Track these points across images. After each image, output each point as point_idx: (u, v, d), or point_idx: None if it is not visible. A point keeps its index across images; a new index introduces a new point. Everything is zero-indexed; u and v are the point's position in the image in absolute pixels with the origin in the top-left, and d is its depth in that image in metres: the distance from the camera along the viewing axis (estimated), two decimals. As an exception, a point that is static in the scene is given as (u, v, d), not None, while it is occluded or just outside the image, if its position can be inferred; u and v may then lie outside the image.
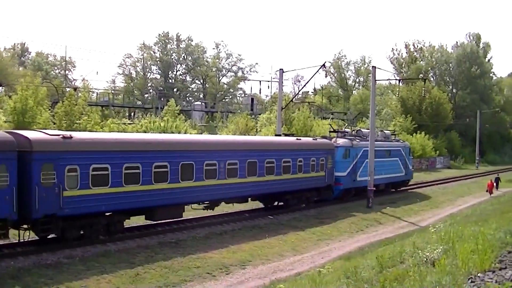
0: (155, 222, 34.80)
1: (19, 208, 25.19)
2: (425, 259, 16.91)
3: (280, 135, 53.23)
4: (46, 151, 26.58)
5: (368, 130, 56.41)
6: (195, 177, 34.56)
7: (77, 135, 29.82)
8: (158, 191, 31.89)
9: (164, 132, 56.79)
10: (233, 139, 46.39)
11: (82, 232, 29.40)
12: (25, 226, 26.87)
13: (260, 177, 40.31)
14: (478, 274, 13.48)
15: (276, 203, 46.03)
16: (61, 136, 27.81)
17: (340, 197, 51.59)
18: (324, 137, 55.04)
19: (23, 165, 25.51)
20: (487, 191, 65.47)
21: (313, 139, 50.88)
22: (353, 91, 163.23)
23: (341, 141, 52.62)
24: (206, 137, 51.12)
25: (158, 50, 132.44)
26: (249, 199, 43.28)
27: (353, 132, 60.07)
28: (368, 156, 51.76)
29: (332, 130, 58.58)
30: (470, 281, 12.99)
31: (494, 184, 70.63)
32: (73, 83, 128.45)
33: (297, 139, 48.78)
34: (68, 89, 79.86)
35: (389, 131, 71.53)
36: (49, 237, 28.82)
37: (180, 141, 38.09)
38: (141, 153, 31.49)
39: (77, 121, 57.80)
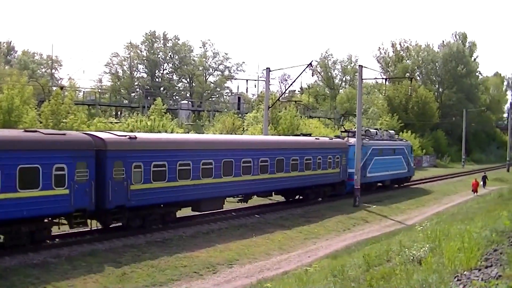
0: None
1: (96, 200, 29.39)
2: (412, 258, 16.95)
3: (299, 135, 57.46)
4: (117, 150, 30.78)
5: (377, 131, 66.25)
6: (234, 173, 39.30)
7: (140, 136, 34.91)
8: (204, 185, 36.30)
9: (151, 132, 56.73)
10: (265, 139, 50.46)
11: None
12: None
13: (286, 173, 44.98)
14: (464, 272, 13.51)
15: (296, 197, 50.50)
16: (127, 136, 32.50)
17: (352, 192, 52.67)
18: (337, 136, 59.81)
19: (99, 162, 29.59)
20: (472, 190, 65.33)
21: (330, 139, 55.72)
22: (340, 90, 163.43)
23: (352, 140, 56.00)
24: (243, 137, 56.38)
25: (145, 49, 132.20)
26: (273, 193, 47.67)
27: (362, 131, 60.26)
28: (355, 155, 51.82)
29: (344, 130, 64.23)
30: (456, 279, 13.02)
31: (481, 183, 71.52)
32: (59, 82, 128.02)
33: (316, 138, 53.27)
34: (54, 88, 79.67)
35: (393, 131, 75.25)
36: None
37: (223, 141, 43.38)
38: (192, 152, 36.03)
39: (64, 120, 57.58)
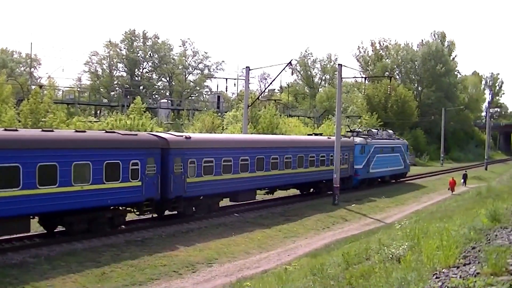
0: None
1: (161, 191, 34.84)
2: (391, 256, 16.99)
3: (311, 135, 65.12)
4: (177, 148, 36.19)
5: (378, 130, 73.64)
6: (265, 168, 45.16)
7: (194, 136, 41.08)
8: (242, 179, 42.18)
9: (130, 130, 56.63)
10: (289, 138, 56.16)
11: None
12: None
13: (305, 169, 51.31)
14: (443, 270, 13.57)
15: (311, 190, 56.54)
16: (184, 137, 38.27)
17: (357, 186, 61.95)
18: (343, 135, 62.98)
19: (163, 159, 35.02)
20: (449, 189, 65.75)
21: (347, 136, 63.39)
22: (319, 89, 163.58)
23: (358, 139, 63.91)
24: (271, 137, 59.41)
25: (125, 48, 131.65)
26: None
27: (365, 131, 71.34)
28: (334, 154, 51.90)
29: (349, 130, 71.51)
30: (435, 277, 13.07)
31: (462, 180, 73.28)
32: (38, 80, 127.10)
33: (328, 137, 59.36)
34: (33, 87, 79.11)
35: (391, 131, 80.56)
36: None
37: (257, 140, 49.46)
38: (233, 150, 41.96)
39: (43, 119, 57.17)
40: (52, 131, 32.80)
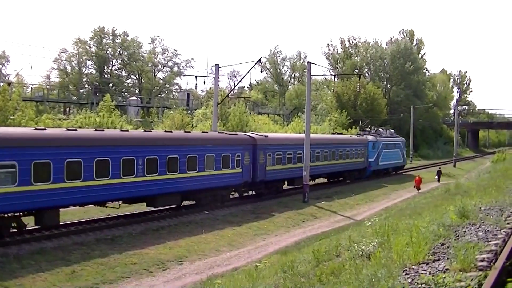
0: (91, 218, 35.44)
1: (252, 176, 47.23)
2: (361, 253, 17.08)
3: (334, 133, 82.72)
4: (260, 144, 48.39)
5: (383, 130, 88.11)
6: (321, 159, 61.17)
7: (269, 135, 55.27)
8: (299, 168, 52.88)
9: (99, 128, 56.24)
10: (328, 137, 71.49)
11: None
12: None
13: (336, 161, 65.05)
14: (413, 266, 13.68)
15: (336, 179, 70.14)
16: (263, 135, 51.46)
17: (370, 176, 75.64)
18: (358, 134, 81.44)
19: (253, 152, 47.24)
20: (414, 187, 65.70)
21: (357, 136, 78.22)
22: (289, 87, 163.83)
23: (370, 137, 77.21)
24: (323, 136, 73.43)
25: (94, 45, 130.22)
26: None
27: (373, 131, 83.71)
28: (304, 151, 51.98)
29: (362, 130, 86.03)
30: (404, 273, 13.16)
31: (436, 177, 76.02)
32: (6, 78, 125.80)
33: (350, 136, 76.95)
34: (1, 84, 78.20)
35: (392, 130, 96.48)
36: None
37: (314, 138, 57.48)
38: (292, 146, 54.28)
39: (11, 117, 56.53)
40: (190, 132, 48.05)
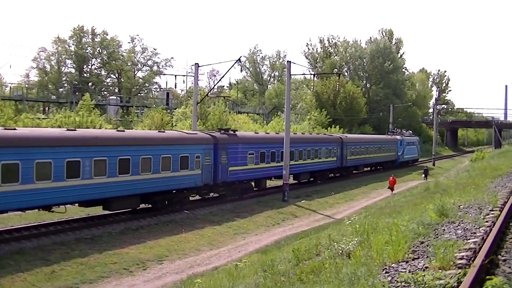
0: (70, 218, 35.15)
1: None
2: (341, 251, 17.09)
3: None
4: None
5: (407, 131, 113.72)
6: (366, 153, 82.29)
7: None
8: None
9: (79, 127, 55.90)
10: (372, 137, 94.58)
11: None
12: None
13: (377, 154, 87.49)
14: (392, 265, 13.72)
15: (375, 168, 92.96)
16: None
17: (399, 166, 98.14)
18: (388, 135, 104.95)
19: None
20: (388, 187, 64.06)
21: (389, 135, 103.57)
22: (268, 86, 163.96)
23: (398, 137, 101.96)
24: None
25: (73, 44, 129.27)
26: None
27: (398, 131, 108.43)
28: (284, 150, 52.01)
29: (391, 131, 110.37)
30: (384, 271, 13.20)
31: (423, 175, 77.47)
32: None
33: (386, 136, 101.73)
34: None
35: (410, 131, 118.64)
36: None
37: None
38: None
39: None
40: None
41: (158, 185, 38.97)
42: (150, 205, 40.58)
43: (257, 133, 62.50)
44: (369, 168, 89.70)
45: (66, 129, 36.62)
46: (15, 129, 31.63)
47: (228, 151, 46.84)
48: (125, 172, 35.76)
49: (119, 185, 35.38)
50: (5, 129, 30.88)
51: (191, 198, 44.86)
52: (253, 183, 53.24)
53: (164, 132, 43.96)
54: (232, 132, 50.41)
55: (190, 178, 42.05)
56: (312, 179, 66.82)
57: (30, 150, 29.55)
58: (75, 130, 35.66)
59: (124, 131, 42.29)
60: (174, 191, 41.79)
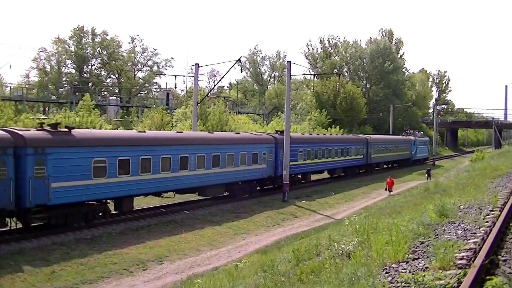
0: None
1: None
2: (341, 252, 17.09)
3: (389, 134, 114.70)
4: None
5: (419, 132, 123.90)
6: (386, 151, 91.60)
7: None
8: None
9: (79, 127, 55.85)
10: (394, 138, 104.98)
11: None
12: None
13: (395, 152, 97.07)
14: (392, 265, 13.72)
15: (396, 165, 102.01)
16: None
17: (412, 164, 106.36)
18: (403, 135, 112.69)
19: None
20: (386, 189, 62.92)
21: (404, 135, 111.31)
22: (268, 86, 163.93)
23: (412, 137, 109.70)
24: (386, 137, 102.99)
25: (73, 44, 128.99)
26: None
27: (411, 132, 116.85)
28: (284, 151, 52.01)
29: (406, 132, 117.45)
30: (384, 272, 13.20)
31: (426, 175, 76.89)
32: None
33: (402, 137, 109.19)
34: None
35: (421, 132, 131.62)
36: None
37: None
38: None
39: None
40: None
41: (238, 176, 48.71)
42: (227, 193, 49.32)
43: (303, 134, 74.62)
44: (385, 166, 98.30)
45: (176, 132, 48.56)
46: (144, 131, 42.11)
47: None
48: (216, 166, 45.06)
49: (212, 176, 44.56)
50: (138, 132, 41.22)
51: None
52: (300, 176, 62.33)
53: (239, 133, 55.06)
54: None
55: (259, 171, 51.84)
56: (343, 174, 76.13)
57: (155, 148, 38.73)
58: (182, 132, 47.76)
59: (213, 133, 52.15)
60: (245, 182, 50.68)
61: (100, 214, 35.58)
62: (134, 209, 38.82)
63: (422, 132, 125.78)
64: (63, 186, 30.91)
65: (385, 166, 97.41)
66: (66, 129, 33.02)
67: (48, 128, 32.22)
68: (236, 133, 56.66)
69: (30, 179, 28.98)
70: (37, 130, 31.59)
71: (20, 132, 29.91)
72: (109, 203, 36.55)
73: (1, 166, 27.93)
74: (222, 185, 47.01)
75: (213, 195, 46.67)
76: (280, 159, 53.90)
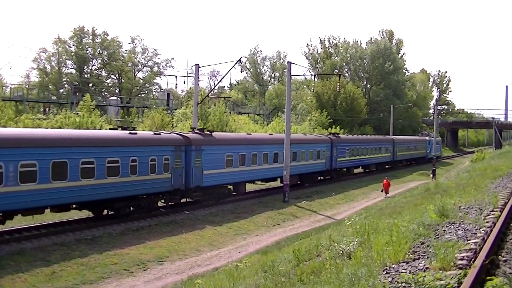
0: (71, 219, 35.10)
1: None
2: (341, 252, 17.09)
3: (405, 135, 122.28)
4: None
5: (429, 132, 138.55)
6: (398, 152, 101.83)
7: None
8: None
9: (79, 128, 55.85)
10: (405, 138, 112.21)
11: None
12: None
13: (411, 151, 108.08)
14: (393, 265, 13.72)
15: (413, 162, 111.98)
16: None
17: (427, 162, 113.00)
18: (418, 136, 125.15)
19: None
20: (382, 190, 61.89)
21: (419, 136, 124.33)
22: (269, 86, 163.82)
23: (427, 138, 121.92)
24: (400, 137, 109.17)
25: (73, 45, 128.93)
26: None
27: (426, 133, 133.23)
28: (284, 152, 51.99)
29: (421, 133, 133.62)
30: (385, 272, 13.20)
31: (431, 175, 77.21)
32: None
33: (418, 137, 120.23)
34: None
35: (431, 133, 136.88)
36: None
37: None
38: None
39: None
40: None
41: (308, 168, 62.00)
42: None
43: (347, 135, 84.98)
44: (402, 164, 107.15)
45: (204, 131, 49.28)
46: (257, 133, 53.51)
47: (338, 148, 69.06)
48: (294, 160, 56.21)
49: (290, 168, 52.41)
50: (247, 134, 52.10)
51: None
52: (345, 169, 75.82)
53: (306, 135, 69.41)
54: (337, 135, 75.10)
55: (320, 164, 64.57)
56: (375, 169, 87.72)
57: (259, 147, 52.13)
58: (212, 131, 50.17)
59: (250, 134, 58.45)
60: (311, 173, 63.92)
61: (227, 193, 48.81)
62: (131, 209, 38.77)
63: (432, 133, 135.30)
64: (210, 173, 44.07)
65: (407, 163, 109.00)
66: (209, 132, 46.85)
67: (197, 131, 45.71)
68: (303, 134, 72.91)
69: (193, 168, 42.15)
70: (193, 133, 44.79)
71: (187, 135, 43.01)
72: (229, 188, 49.13)
73: (178, 158, 40.58)
74: (296, 175, 57.99)
75: (292, 183, 54.00)
76: (334, 156, 67.84)
